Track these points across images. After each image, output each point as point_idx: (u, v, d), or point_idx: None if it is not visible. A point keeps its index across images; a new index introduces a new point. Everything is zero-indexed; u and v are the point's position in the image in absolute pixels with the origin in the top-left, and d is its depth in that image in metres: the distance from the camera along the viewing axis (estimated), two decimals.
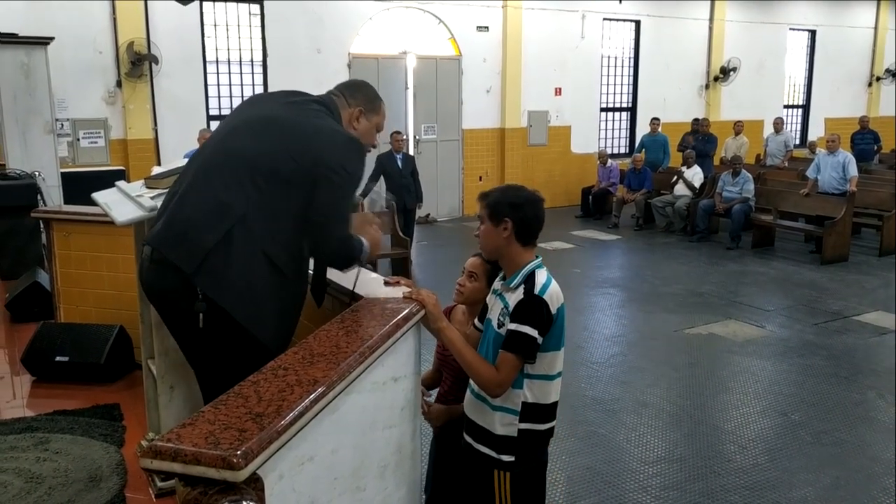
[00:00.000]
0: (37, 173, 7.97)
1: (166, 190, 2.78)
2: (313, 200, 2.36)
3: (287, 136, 2.43)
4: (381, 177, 9.33)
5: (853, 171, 9.82)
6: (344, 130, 2.55)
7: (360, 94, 2.66)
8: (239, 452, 1.40)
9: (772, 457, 4.31)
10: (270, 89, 10.88)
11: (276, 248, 2.34)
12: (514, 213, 2.32)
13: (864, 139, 13.82)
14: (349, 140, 2.51)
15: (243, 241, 2.29)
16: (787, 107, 17.00)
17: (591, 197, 12.79)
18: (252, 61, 11.00)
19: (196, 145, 8.46)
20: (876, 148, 14.01)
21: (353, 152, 2.49)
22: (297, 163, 2.36)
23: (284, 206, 2.35)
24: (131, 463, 3.75)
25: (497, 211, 2.33)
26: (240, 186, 2.34)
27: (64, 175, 8.54)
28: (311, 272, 2.62)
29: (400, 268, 8.40)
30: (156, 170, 3.38)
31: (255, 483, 1.46)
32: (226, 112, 10.84)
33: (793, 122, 17.27)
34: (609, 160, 12.87)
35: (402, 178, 9.22)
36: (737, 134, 13.07)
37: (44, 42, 8.24)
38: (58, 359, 4.96)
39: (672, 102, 14.70)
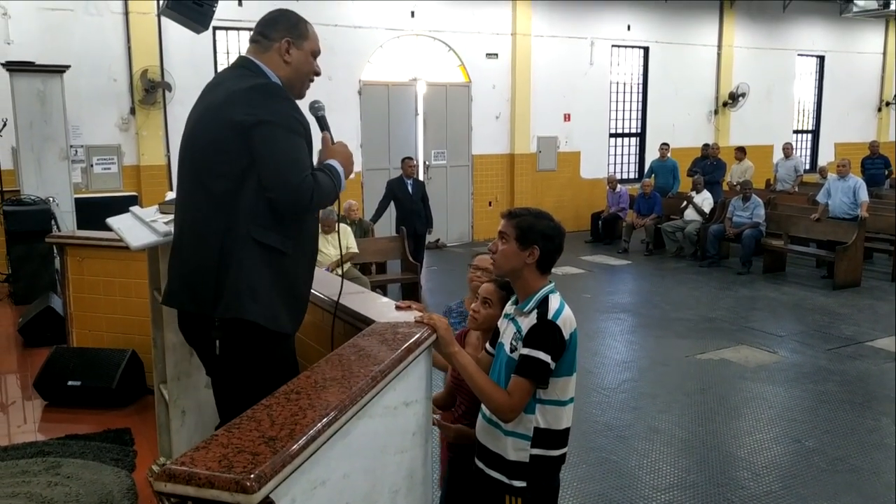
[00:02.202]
0: (51, 199, 8.07)
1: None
2: (257, 165, 2.24)
3: (209, 130, 2.33)
4: (392, 202, 9.39)
5: (864, 196, 9.80)
6: (254, 83, 2.33)
7: (279, 24, 2.45)
8: (252, 476, 1.40)
9: (786, 484, 4.26)
10: None
11: (261, 232, 2.28)
12: (545, 243, 2.34)
13: (874, 164, 13.80)
14: (252, 89, 2.31)
15: (232, 253, 2.29)
16: (796, 132, 17.02)
17: (600, 222, 12.81)
18: None
19: None
20: (886, 173, 13.98)
21: (264, 97, 2.29)
22: (227, 149, 2.27)
23: (248, 194, 2.27)
24: (142, 488, 3.75)
25: (528, 236, 2.33)
26: (207, 209, 2.33)
27: (77, 201, 8.64)
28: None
29: (410, 293, 8.41)
30: (170, 195, 3.43)
31: None
32: None
33: (802, 147, 17.28)
34: (618, 185, 12.90)
35: (413, 204, 9.27)
36: (739, 161, 13.11)
37: (59, 70, 8.38)
38: (70, 383, 4.98)
39: (681, 128, 14.76)
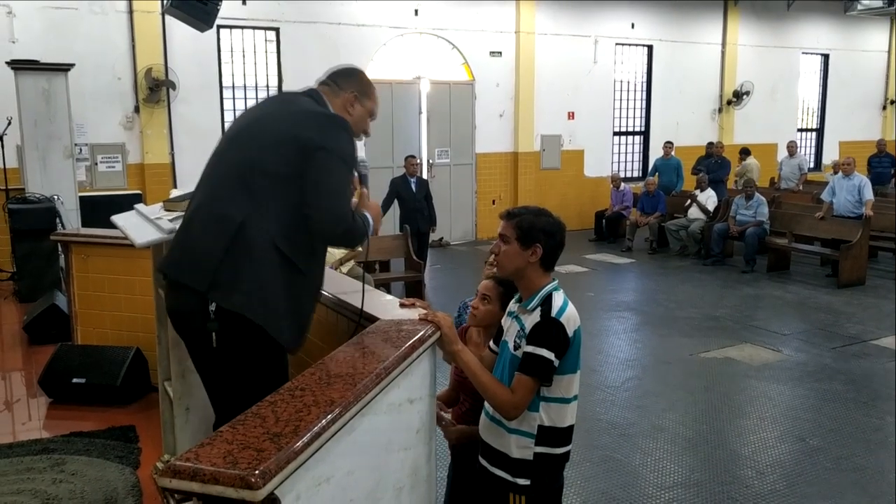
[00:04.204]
0: (56, 197, 8.09)
1: (184, 213, 2.83)
2: (305, 183, 2.32)
3: (269, 132, 2.42)
4: (395, 200, 9.39)
5: (868, 194, 9.76)
6: (331, 113, 2.50)
7: (352, 78, 2.63)
8: (257, 472, 1.40)
9: (790, 483, 4.25)
10: None
11: (285, 243, 2.32)
12: (547, 240, 2.34)
13: (881, 163, 13.77)
14: (330, 117, 2.46)
15: (249, 244, 2.30)
16: (800, 130, 16.98)
17: (604, 220, 12.80)
18: (268, 87, 11.15)
19: None
20: (893, 171, 13.94)
21: (337, 129, 2.43)
22: (283, 153, 2.34)
23: (284, 202, 2.33)
24: (146, 485, 3.76)
25: (530, 235, 2.33)
26: (236, 195, 2.35)
27: (82, 199, 8.67)
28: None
29: (414, 291, 8.42)
30: (174, 193, 3.43)
31: (272, 503, 1.46)
32: None
33: (807, 145, 17.24)
34: (622, 184, 12.89)
35: (416, 202, 9.27)
36: (744, 159, 13.14)
37: (64, 69, 8.40)
38: (75, 380, 5.00)
39: (685, 126, 14.73)
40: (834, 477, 4.33)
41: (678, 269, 10.55)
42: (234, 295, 2.28)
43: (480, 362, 2.39)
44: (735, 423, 5.19)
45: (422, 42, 12.19)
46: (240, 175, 2.38)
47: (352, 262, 7.59)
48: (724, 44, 15.15)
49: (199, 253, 2.36)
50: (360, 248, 2.44)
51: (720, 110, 15.32)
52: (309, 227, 2.34)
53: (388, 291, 7.93)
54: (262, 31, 11.01)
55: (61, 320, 6.23)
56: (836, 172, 10.89)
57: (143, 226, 3.11)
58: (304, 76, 11.11)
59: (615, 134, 14.51)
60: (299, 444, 1.54)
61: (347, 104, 2.57)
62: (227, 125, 10.81)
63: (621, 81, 14.40)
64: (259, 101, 2.68)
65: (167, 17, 9.40)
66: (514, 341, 2.35)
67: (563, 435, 2.35)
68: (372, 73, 11.59)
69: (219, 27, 10.14)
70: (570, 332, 2.29)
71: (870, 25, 17.14)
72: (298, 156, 2.33)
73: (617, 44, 14.04)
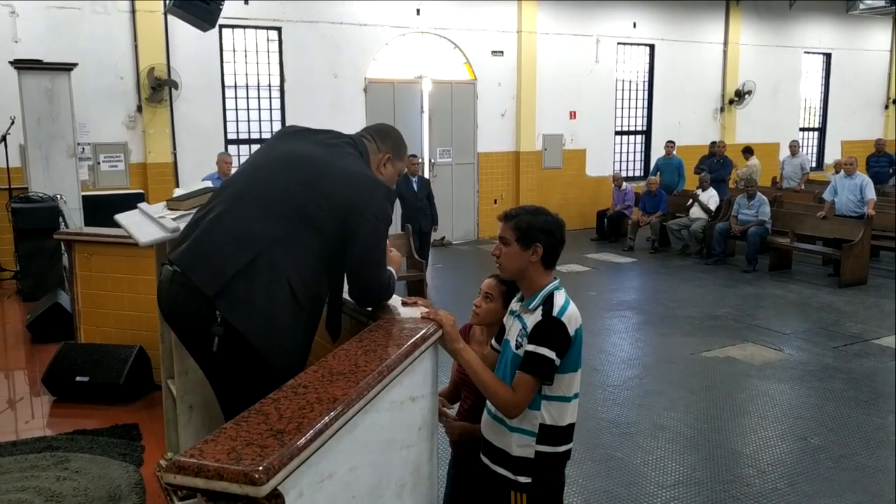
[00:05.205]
0: (59, 196, 8.10)
1: (188, 212, 2.83)
2: (348, 247, 2.40)
3: (319, 177, 2.45)
4: (397, 199, 9.40)
5: (871, 193, 9.76)
6: (373, 174, 2.59)
7: (389, 140, 2.76)
8: (261, 468, 1.41)
9: (791, 481, 4.26)
10: (288, 114, 11.06)
11: (298, 280, 2.35)
12: (547, 239, 2.35)
13: (878, 162, 13.77)
14: (378, 184, 2.54)
15: (267, 269, 2.31)
16: (802, 129, 16.97)
17: (606, 220, 12.80)
18: (270, 86, 11.17)
19: (215, 169, 8.59)
20: (891, 171, 13.94)
21: (382, 196, 2.53)
22: (328, 204, 2.39)
23: (310, 243, 2.37)
24: (150, 482, 3.77)
25: (529, 235, 2.34)
26: (270, 218, 2.37)
27: (85, 198, 8.68)
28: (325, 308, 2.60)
29: (416, 290, 8.43)
30: (177, 192, 3.43)
31: (276, 499, 1.47)
32: (244, 136, 11.00)
33: (809, 144, 17.23)
34: (624, 183, 12.89)
35: (418, 202, 9.29)
36: (747, 159, 13.15)
37: (67, 68, 8.41)
38: (78, 379, 5.02)
39: (687, 125, 14.73)
40: (835, 476, 4.34)
41: (680, 268, 10.56)
42: (239, 312, 2.28)
43: (482, 361, 2.40)
44: (736, 422, 5.20)
45: (424, 41, 12.20)
46: (281, 202, 2.41)
47: None
48: (725, 43, 15.15)
49: (215, 258, 2.35)
50: None
51: (722, 110, 15.32)
52: (349, 283, 2.51)
53: None
54: (265, 31, 11.03)
55: (64, 319, 6.25)
56: (837, 172, 10.88)
57: (147, 225, 3.12)
58: (306, 76, 11.18)
59: (617, 133, 14.51)
60: (302, 440, 1.55)
61: (381, 164, 2.70)
62: (229, 124, 10.88)
63: (623, 81, 14.40)
64: (307, 127, 2.73)
65: (169, 17, 9.43)
66: (516, 340, 2.36)
67: (563, 433, 2.36)
68: (374, 73, 11.70)
69: (221, 27, 10.15)
70: (571, 332, 2.30)
71: (872, 25, 17.13)
72: (342, 214, 2.39)
73: (619, 43, 14.05)
